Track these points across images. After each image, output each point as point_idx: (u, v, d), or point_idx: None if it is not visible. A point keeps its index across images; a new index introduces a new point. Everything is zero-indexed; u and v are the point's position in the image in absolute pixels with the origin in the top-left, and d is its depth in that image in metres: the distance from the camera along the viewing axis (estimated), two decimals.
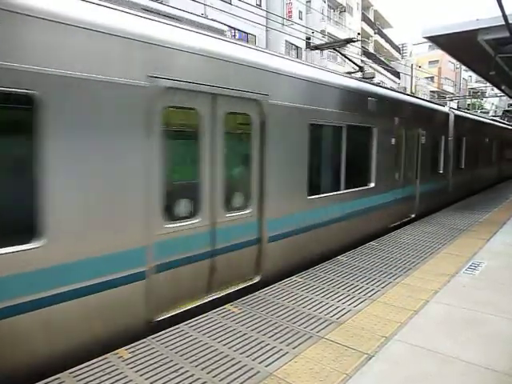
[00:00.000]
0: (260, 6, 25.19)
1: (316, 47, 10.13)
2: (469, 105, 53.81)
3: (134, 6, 4.28)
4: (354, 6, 38.62)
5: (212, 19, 5.77)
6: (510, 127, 23.66)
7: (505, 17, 6.71)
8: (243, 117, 5.27)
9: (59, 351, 3.47)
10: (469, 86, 65.19)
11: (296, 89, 6.00)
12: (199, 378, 3.24)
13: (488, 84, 22.05)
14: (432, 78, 55.19)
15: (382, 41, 45.80)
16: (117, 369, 3.34)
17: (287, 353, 3.66)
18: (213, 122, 4.73)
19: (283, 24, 23.81)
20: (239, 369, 3.39)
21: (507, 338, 3.97)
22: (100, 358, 3.48)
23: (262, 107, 5.35)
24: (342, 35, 34.78)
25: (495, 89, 22.18)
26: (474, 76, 45.33)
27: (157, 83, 4.06)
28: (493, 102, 54.16)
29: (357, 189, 7.65)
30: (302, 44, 29.45)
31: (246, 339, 3.90)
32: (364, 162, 8.16)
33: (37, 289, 3.29)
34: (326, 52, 31.59)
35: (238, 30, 23.62)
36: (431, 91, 53.92)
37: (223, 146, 4.86)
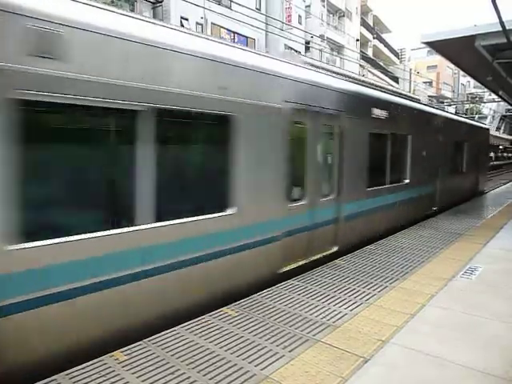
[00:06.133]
0: (259, 9, 25.28)
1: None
2: (467, 110, 54.09)
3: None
4: (353, 11, 38.80)
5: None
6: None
7: (502, 23, 6.77)
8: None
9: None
10: (467, 92, 65.55)
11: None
12: (195, 381, 3.24)
13: (486, 89, 22.17)
14: (430, 82, 55.45)
15: (380, 46, 46.01)
16: (113, 371, 3.34)
17: (283, 356, 3.66)
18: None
19: (282, 29, 23.88)
20: (235, 371, 3.39)
21: (503, 342, 3.98)
22: (96, 360, 3.48)
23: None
24: (341, 40, 35.00)
25: (493, 94, 22.30)
26: (472, 81, 45.62)
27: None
28: (490, 107, 54.41)
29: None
30: (301, 48, 29.56)
31: (242, 342, 3.91)
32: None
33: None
34: (324, 56, 31.73)
35: (238, 33, 23.70)
36: (429, 96, 54.16)
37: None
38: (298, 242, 6.11)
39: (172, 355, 3.62)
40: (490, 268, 6.37)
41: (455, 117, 15.48)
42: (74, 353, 3.51)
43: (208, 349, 3.75)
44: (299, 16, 28.93)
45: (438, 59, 52.31)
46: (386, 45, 47.97)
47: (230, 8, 20.66)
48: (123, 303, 3.91)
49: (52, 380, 3.19)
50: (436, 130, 11.92)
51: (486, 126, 20.38)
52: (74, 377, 3.24)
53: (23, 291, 3.22)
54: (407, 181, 10.04)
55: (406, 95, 11.41)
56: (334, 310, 4.71)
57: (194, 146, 4.98)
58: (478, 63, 11.15)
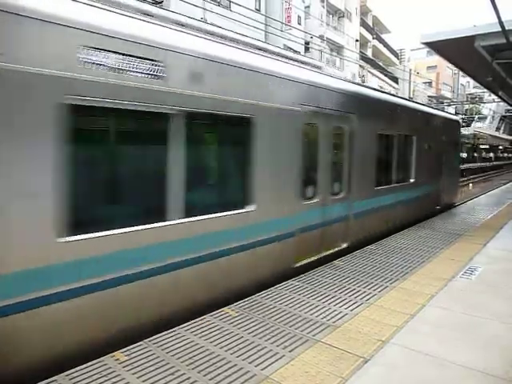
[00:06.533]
0: (259, 10, 25.31)
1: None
2: (466, 110, 54.17)
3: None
4: (353, 11, 38.83)
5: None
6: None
7: (501, 23, 6.78)
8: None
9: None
10: (467, 92, 65.65)
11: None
12: (196, 381, 3.25)
13: (485, 90, 22.21)
14: (430, 83, 55.51)
15: (380, 46, 46.04)
16: (113, 371, 3.34)
17: (284, 356, 3.66)
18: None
19: (282, 30, 23.90)
20: (236, 372, 3.40)
21: (503, 343, 3.99)
22: (96, 361, 3.48)
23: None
24: (341, 40, 35.03)
25: (492, 94, 22.33)
26: (472, 82, 45.69)
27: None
28: (490, 107, 54.54)
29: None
30: (300, 48, 29.58)
31: (242, 342, 3.91)
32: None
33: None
34: (324, 56, 31.73)
35: (237, 33, 23.69)
36: (429, 96, 54.24)
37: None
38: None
39: (172, 355, 3.63)
40: (489, 268, 6.38)
41: (393, 98, 10.24)
42: None
43: (208, 349, 3.75)
44: (299, 16, 28.94)
45: (437, 59, 52.35)
46: (386, 45, 48.00)
47: (229, 9, 20.68)
48: None
49: (52, 381, 3.19)
50: (346, 115, 7.35)
51: (455, 118, 15.25)
52: (74, 377, 3.24)
53: None
54: (252, 208, 5.32)
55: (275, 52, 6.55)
56: (335, 310, 4.71)
57: None
58: (478, 64, 11.16)
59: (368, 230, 8.33)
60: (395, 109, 9.64)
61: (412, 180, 10.53)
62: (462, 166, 40.57)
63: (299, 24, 28.73)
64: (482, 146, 51.25)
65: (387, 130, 9.11)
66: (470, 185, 30.81)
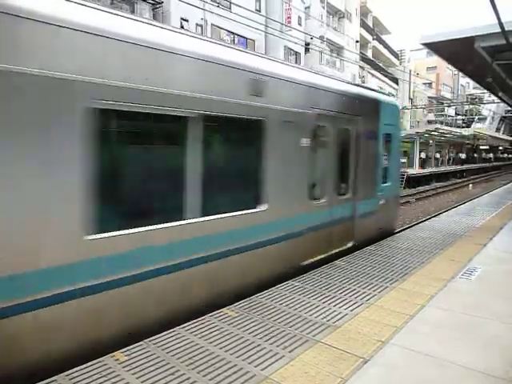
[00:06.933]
0: (259, 11, 25.33)
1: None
2: (466, 111, 54.19)
3: None
4: (353, 12, 38.88)
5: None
6: None
7: (501, 24, 6.79)
8: None
9: None
10: (466, 93, 65.70)
11: None
12: (195, 381, 3.25)
13: (485, 90, 22.23)
14: (430, 84, 55.57)
15: (380, 47, 46.08)
16: (113, 371, 3.34)
17: (283, 356, 3.66)
18: None
19: (282, 31, 23.93)
20: (235, 372, 3.39)
21: (503, 343, 3.98)
22: (96, 361, 3.49)
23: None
24: (341, 41, 35.05)
25: (492, 95, 22.35)
26: (472, 82, 45.74)
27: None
28: (490, 108, 54.60)
29: None
30: (300, 49, 29.61)
31: (242, 342, 3.91)
32: None
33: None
34: (324, 57, 31.75)
35: (238, 34, 23.74)
36: (429, 97, 54.27)
37: None
38: None
39: (172, 356, 3.63)
40: (489, 269, 6.37)
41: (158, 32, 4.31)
42: None
43: (208, 349, 3.75)
44: (299, 17, 28.99)
45: (437, 60, 52.38)
46: (386, 46, 48.04)
47: (229, 9, 20.69)
48: None
49: (52, 381, 3.20)
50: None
51: (388, 99, 9.38)
52: (74, 377, 3.24)
53: None
54: None
55: None
56: (334, 311, 4.71)
57: None
58: (478, 64, 11.18)
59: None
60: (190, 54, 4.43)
61: (264, 207, 5.53)
62: (463, 167, 40.68)
63: (299, 25, 28.78)
64: (481, 147, 51.32)
65: (150, 103, 4.04)
66: (470, 185, 30.83)
